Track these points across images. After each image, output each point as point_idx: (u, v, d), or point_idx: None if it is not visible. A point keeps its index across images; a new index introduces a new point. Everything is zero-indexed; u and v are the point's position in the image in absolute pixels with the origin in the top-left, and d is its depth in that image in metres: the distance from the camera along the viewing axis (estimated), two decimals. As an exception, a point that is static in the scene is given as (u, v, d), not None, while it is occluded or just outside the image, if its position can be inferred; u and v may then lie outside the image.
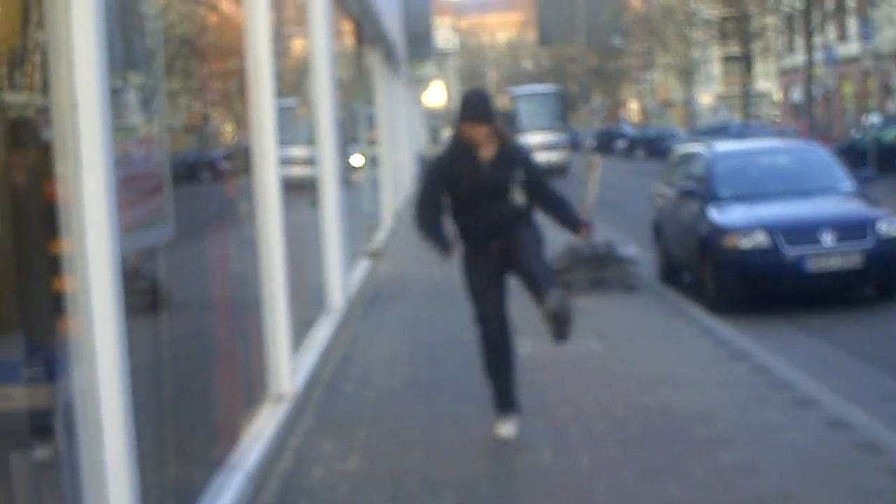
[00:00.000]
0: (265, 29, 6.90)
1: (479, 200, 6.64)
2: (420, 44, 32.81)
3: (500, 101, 74.52)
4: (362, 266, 13.72)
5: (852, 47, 49.61)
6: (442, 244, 6.72)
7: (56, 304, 3.77)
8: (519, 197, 6.68)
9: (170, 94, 5.13)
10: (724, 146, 15.09)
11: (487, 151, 6.62)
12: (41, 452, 3.78)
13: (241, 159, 6.83)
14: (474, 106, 6.63)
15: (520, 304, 7.29)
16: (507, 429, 6.70)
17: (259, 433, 6.20)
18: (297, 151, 9.71)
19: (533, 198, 6.77)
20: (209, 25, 6.45)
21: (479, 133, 6.57)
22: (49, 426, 3.79)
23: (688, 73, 68.00)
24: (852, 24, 50.65)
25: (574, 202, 7.38)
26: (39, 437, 3.78)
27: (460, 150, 6.69)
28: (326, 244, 10.18)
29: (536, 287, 6.55)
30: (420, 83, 44.32)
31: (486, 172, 6.60)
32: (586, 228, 7.08)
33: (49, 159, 3.74)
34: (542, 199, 6.85)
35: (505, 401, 6.79)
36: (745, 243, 11.56)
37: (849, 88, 52.63)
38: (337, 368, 8.78)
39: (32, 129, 3.86)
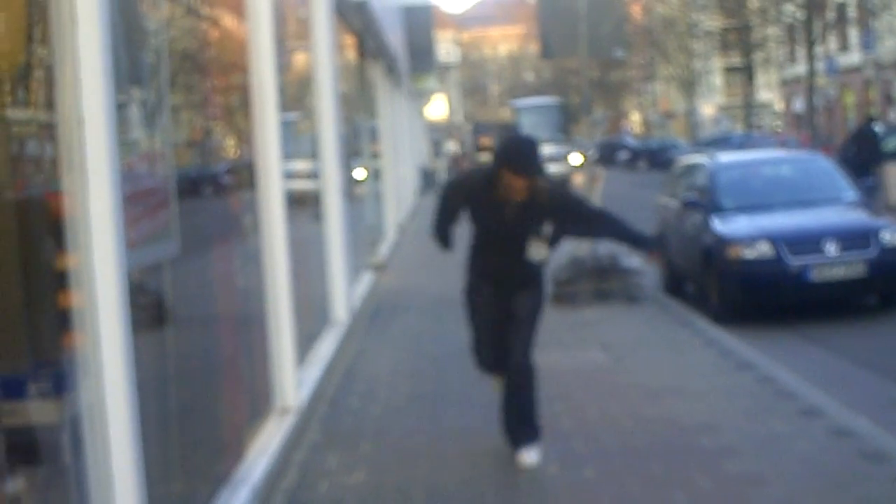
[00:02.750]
0: (268, 43, 6.92)
1: (493, 241, 6.34)
2: (422, 57, 32.83)
3: (502, 114, 74.81)
4: (366, 279, 13.73)
5: (854, 57, 49.73)
6: (444, 244, 6.55)
7: (63, 319, 3.78)
8: (537, 252, 6.29)
9: (173, 109, 5.14)
10: (726, 157, 15.12)
11: (517, 196, 6.11)
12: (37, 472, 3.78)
13: (245, 173, 6.85)
14: (524, 157, 6.05)
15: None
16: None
17: (264, 447, 6.20)
18: (301, 165, 9.73)
19: (581, 231, 6.50)
20: (212, 40, 6.47)
21: (520, 185, 6.04)
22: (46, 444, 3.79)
23: (689, 85, 68.07)
24: (853, 34, 50.72)
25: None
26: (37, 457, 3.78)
27: (488, 183, 6.18)
28: (330, 257, 10.20)
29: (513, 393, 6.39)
30: (422, 96, 44.37)
31: (509, 217, 6.19)
32: (656, 254, 6.78)
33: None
34: (592, 226, 6.54)
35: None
36: (749, 254, 11.56)
37: (850, 98, 52.67)
38: (341, 382, 8.78)
39: None
